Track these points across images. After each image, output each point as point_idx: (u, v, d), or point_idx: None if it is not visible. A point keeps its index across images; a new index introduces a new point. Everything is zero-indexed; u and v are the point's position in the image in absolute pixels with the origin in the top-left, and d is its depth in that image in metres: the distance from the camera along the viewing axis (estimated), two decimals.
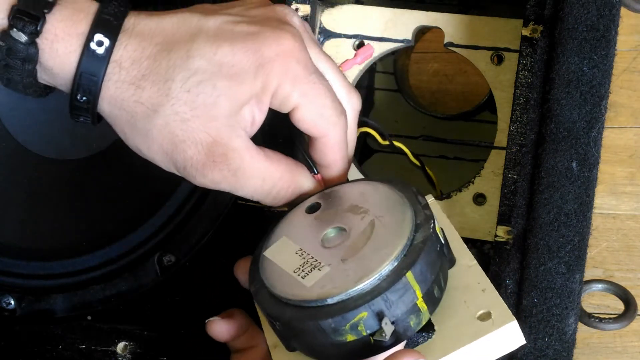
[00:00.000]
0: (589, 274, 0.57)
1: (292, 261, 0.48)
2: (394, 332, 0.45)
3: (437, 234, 0.47)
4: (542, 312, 0.55)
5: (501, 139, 0.62)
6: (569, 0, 0.55)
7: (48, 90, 0.51)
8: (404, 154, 0.63)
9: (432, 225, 0.47)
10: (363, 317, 0.44)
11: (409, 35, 0.65)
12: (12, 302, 0.66)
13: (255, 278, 0.49)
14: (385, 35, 0.64)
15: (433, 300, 0.47)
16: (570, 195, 0.55)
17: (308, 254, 0.48)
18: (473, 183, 0.63)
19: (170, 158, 0.49)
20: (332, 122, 0.51)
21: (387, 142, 0.62)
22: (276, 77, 0.48)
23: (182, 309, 0.67)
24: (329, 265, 0.46)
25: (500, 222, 0.59)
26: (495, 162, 0.62)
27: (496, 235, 0.58)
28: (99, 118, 0.50)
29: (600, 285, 0.60)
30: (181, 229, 0.65)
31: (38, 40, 0.47)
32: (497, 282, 0.57)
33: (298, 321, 0.45)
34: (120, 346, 0.65)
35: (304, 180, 0.52)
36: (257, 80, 0.48)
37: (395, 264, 0.45)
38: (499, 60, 0.63)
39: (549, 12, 0.57)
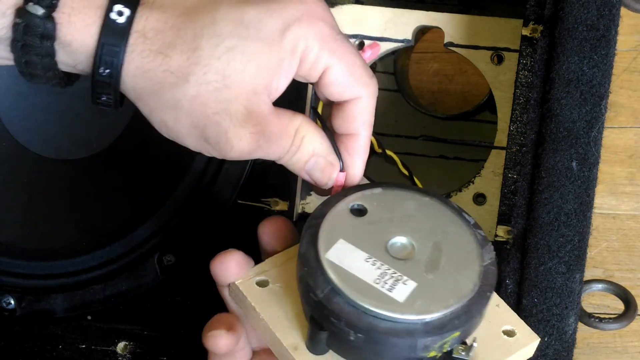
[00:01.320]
0: (589, 274, 0.57)
1: (367, 270, 0.46)
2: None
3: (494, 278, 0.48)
4: (542, 312, 0.55)
5: (501, 138, 0.62)
6: (569, 0, 0.55)
7: (67, 79, 0.49)
8: (403, 153, 0.63)
9: (492, 247, 0.48)
10: (455, 336, 0.44)
11: (409, 35, 0.65)
12: (12, 302, 0.66)
13: (320, 281, 0.46)
14: (385, 35, 0.64)
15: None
16: (570, 195, 0.55)
17: (382, 264, 0.46)
18: (473, 183, 0.63)
19: (202, 132, 0.47)
20: (365, 82, 0.49)
21: (380, 151, 0.63)
22: (304, 37, 0.46)
23: (182, 309, 0.67)
24: (413, 280, 0.45)
25: (500, 222, 0.59)
26: (495, 162, 0.62)
27: (496, 235, 0.58)
28: (121, 100, 0.48)
29: (600, 285, 0.60)
30: (181, 229, 0.65)
31: (55, 15, 0.45)
32: (497, 282, 0.57)
33: (394, 336, 0.44)
34: (120, 346, 0.65)
35: (319, 135, 0.50)
36: (285, 41, 0.46)
37: (479, 285, 0.46)
38: (499, 60, 0.63)
39: (549, 12, 0.57)
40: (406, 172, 0.63)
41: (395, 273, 0.46)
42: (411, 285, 0.45)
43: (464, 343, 0.45)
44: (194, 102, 0.46)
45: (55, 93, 0.67)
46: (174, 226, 0.65)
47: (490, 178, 0.62)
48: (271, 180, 0.64)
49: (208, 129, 0.46)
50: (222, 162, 0.65)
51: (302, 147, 0.49)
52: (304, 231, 0.48)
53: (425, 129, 0.78)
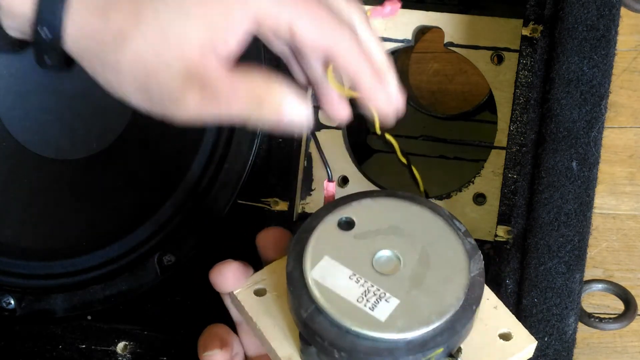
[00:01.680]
0: (589, 274, 0.57)
1: (350, 287, 0.46)
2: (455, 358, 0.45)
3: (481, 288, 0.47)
4: (542, 312, 0.55)
5: (501, 139, 0.62)
6: (569, 0, 0.55)
7: (20, 44, 0.48)
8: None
9: (481, 256, 0.47)
10: (438, 353, 0.44)
11: (409, 35, 0.65)
12: (12, 302, 0.66)
13: (304, 301, 0.46)
14: (385, 35, 0.64)
15: None
16: (570, 195, 0.55)
17: (366, 281, 0.46)
18: (473, 183, 0.63)
19: (145, 91, 0.46)
20: (334, 30, 0.47)
21: (380, 133, 0.61)
22: (257, 1, 0.45)
23: (182, 309, 0.67)
24: (395, 297, 0.45)
25: (500, 222, 0.59)
26: (495, 162, 0.62)
27: (496, 235, 0.58)
28: (68, 62, 0.47)
29: (600, 285, 0.60)
30: (181, 229, 0.65)
31: None
32: (497, 282, 0.57)
33: (376, 356, 0.44)
34: (120, 346, 0.65)
35: (287, 93, 0.47)
36: (233, 8, 0.45)
37: (464, 298, 0.45)
38: (499, 60, 0.63)
39: (549, 12, 0.57)
40: (404, 161, 0.62)
41: (378, 290, 0.45)
42: (394, 302, 0.45)
43: (451, 355, 0.45)
44: (136, 64, 0.45)
45: (56, 93, 0.67)
46: (174, 226, 0.65)
47: (490, 178, 0.62)
48: (271, 180, 0.64)
49: (152, 91, 0.45)
50: (222, 162, 0.65)
51: (266, 102, 0.47)
52: (291, 247, 0.48)
53: (425, 129, 0.78)
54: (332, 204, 0.50)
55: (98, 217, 0.67)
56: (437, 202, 0.63)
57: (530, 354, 0.47)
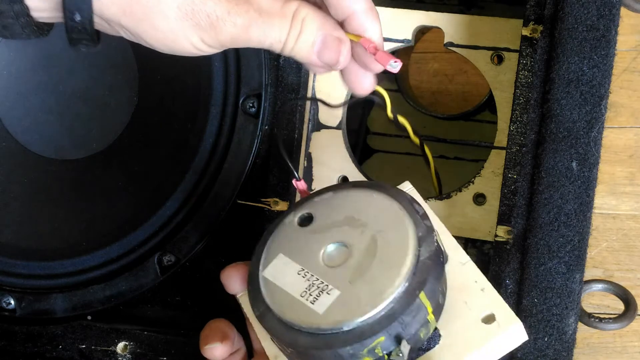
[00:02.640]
0: (589, 274, 0.57)
1: (296, 283, 0.46)
2: (407, 346, 0.44)
3: (439, 246, 0.47)
4: (542, 312, 0.55)
5: (501, 139, 0.62)
6: (569, 0, 0.55)
7: (45, 27, 0.48)
8: (403, 152, 0.62)
9: (435, 239, 0.46)
10: (381, 341, 0.44)
11: (409, 35, 0.65)
12: (12, 302, 0.66)
13: (257, 300, 0.47)
14: (385, 35, 0.64)
15: (439, 309, 0.47)
16: (570, 195, 0.55)
17: (312, 275, 0.46)
18: (473, 183, 0.63)
19: (192, 19, 0.46)
20: None
21: (392, 116, 0.61)
22: None
23: (182, 309, 0.67)
24: (337, 289, 0.45)
25: (500, 222, 0.59)
26: (495, 162, 0.62)
27: (496, 235, 0.58)
28: (98, 36, 0.47)
29: (600, 285, 0.60)
30: (181, 229, 0.65)
31: None
32: (497, 282, 0.57)
33: (314, 349, 0.44)
34: (120, 346, 0.65)
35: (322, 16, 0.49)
36: None
37: (407, 284, 0.44)
38: (499, 60, 0.63)
39: (549, 12, 0.57)
40: (417, 141, 0.62)
41: (322, 283, 0.46)
42: (334, 294, 0.45)
43: (400, 342, 0.44)
44: None
45: (55, 93, 0.67)
46: (174, 226, 0.65)
47: (490, 178, 0.62)
48: (271, 180, 0.64)
49: (197, 14, 0.46)
50: (222, 162, 0.65)
51: (304, 29, 0.48)
52: (256, 248, 0.49)
53: (425, 129, 0.78)
54: (297, 202, 0.50)
55: (98, 217, 0.67)
56: (437, 202, 0.63)
57: (518, 337, 0.46)
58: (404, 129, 0.61)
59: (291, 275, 0.47)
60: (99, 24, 0.47)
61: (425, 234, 0.46)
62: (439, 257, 0.46)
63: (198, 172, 0.65)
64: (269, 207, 0.64)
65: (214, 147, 0.65)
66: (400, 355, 0.44)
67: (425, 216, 0.48)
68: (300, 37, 0.48)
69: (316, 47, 0.48)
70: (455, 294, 0.47)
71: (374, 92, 0.58)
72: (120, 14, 0.46)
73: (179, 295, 0.67)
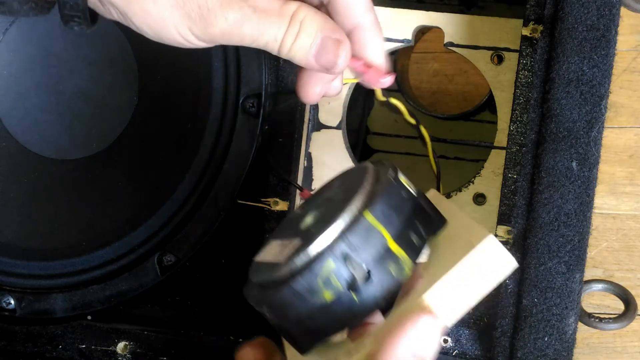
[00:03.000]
0: (589, 274, 0.57)
1: (274, 252, 0.47)
2: (372, 280, 0.43)
3: (402, 183, 0.46)
4: (542, 312, 0.55)
5: (501, 139, 0.62)
6: (569, 0, 0.55)
7: (44, 5, 0.46)
8: (403, 152, 0.62)
9: (392, 173, 0.46)
10: (331, 267, 0.43)
11: (409, 35, 0.65)
12: (12, 302, 0.66)
13: (246, 286, 0.48)
14: (385, 35, 0.64)
15: (412, 247, 0.45)
16: (570, 195, 0.55)
17: (287, 240, 0.47)
18: (473, 183, 0.63)
19: (183, 9, 0.45)
20: None
21: (384, 99, 0.60)
22: None
23: (182, 309, 0.67)
24: (299, 238, 0.45)
25: (500, 222, 0.59)
26: (495, 162, 0.62)
27: (496, 235, 0.58)
28: (93, 18, 0.46)
29: (600, 285, 0.60)
30: (181, 229, 0.65)
31: None
32: None
33: (276, 295, 0.44)
34: (120, 346, 0.65)
35: (322, 16, 0.47)
36: None
37: (351, 206, 0.44)
38: (499, 60, 0.63)
39: (549, 12, 0.57)
40: (413, 121, 0.61)
41: (290, 242, 0.46)
42: (296, 243, 0.45)
43: (365, 269, 0.43)
44: None
45: (55, 93, 0.67)
46: (174, 226, 0.65)
47: (490, 178, 0.62)
48: (271, 180, 0.64)
49: (188, 2, 0.44)
50: (222, 162, 0.65)
51: (303, 29, 0.46)
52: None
53: (426, 129, 0.78)
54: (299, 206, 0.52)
55: (98, 217, 0.67)
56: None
57: (496, 253, 0.43)
58: (398, 111, 0.60)
59: (272, 249, 0.48)
60: (92, 2, 0.46)
61: (384, 173, 0.46)
62: (399, 191, 0.45)
63: (198, 172, 0.65)
64: (269, 207, 0.64)
65: (214, 147, 0.64)
66: (356, 282, 0.43)
67: (395, 170, 0.47)
68: (298, 37, 0.47)
69: (314, 50, 0.47)
70: (448, 243, 0.46)
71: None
72: None
73: (179, 295, 0.67)
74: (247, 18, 0.45)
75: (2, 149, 0.67)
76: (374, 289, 0.44)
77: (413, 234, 0.45)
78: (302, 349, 0.46)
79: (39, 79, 0.67)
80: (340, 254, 0.43)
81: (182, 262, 0.65)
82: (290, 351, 0.49)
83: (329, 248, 0.43)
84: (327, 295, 0.43)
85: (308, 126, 0.65)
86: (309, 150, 0.66)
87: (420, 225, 0.46)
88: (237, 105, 0.64)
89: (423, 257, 0.46)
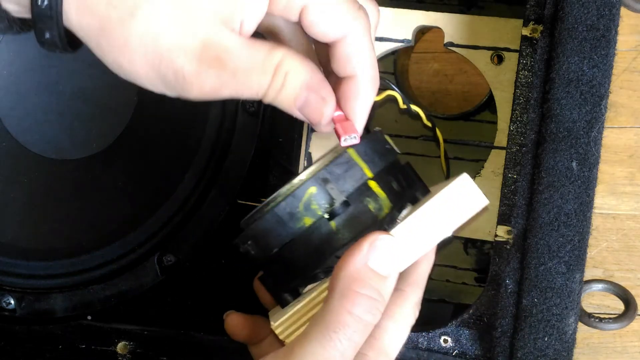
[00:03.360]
0: (589, 274, 0.57)
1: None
2: (349, 210, 0.46)
3: (387, 140, 0.49)
4: (542, 312, 0.55)
5: (501, 139, 0.62)
6: (569, 0, 0.55)
7: (22, 24, 0.44)
8: (403, 152, 0.62)
9: (379, 130, 0.48)
10: (312, 192, 0.46)
11: (409, 35, 0.65)
12: (12, 302, 0.66)
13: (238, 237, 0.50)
14: (385, 35, 0.64)
15: (393, 192, 0.47)
16: (570, 195, 0.55)
17: None
18: None
19: (158, 72, 0.42)
20: (350, 18, 0.44)
21: (405, 107, 0.62)
22: None
23: (182, 309, 0.67)
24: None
25: (500, 222, 0.59)
26: (495, 162, 0.62)
27: (496, 235, 0.58)
28: (71, 43, 0.44)
29: (600, 285, 0.60)
30: (181, 229, 0.65)
31: None
32: (497, 282, 0.58)
33: (260, 223, 0.46)
34: (120, 346, 0.65)
35: (306, 62, 0.45)
36: None
37: (340, 149, 0.47)
38: (499, 60, 0.63)
39: (549, 12, 0.57)
40: (429, 124, 0.63)
41: None
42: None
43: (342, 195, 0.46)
44: (145, 38, 0.41)
45: (55, 93, 0.67)
46: (174, 226, 0.65)
47: (490, 178, 0.62)
48: (271, 180, 0.64)
49: (163, 67, 0.42)
50: (222, 162, 0.65)
51: (286, 84, 0.44)
52: None
53: (426, 129, 0.78)
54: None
55: (98, 217, 0.67)
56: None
57: (468, 189, 0.46)
58: (418, 116, 0.63)
59: None
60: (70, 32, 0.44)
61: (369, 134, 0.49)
62: (383, 143, 0.48)
63: (198, 172, 0.65)
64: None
65: (214, 147, 0.65)
66: (334, 202, 0.45)
67: (382, 131, 0.50)
68: (282, 90, 0.45)
69: (298, 103, 0.46)
70: None
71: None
72: (86, 40, 0.43)
73: (179, 295, 0.67)
74: (225, 85, 0.43)
75: (2, 149, 0.67)
76: (351, 220, 0.46)
77: (394, 181, 0.48)
78: (282, 288, 0.48)
79: (39, 79, 0.67)
80: (322, 181, 0.46)
81: (182, 262, 0.66)
82: (274, 315, 0.50)
83: (312, 174, 0.46)
84: (307, 221, 0.46)
85: (308, 126, 0.65)
86: (309, 150, 0.66)
87: (401, 177, 0.49)
88: (237, 104, 0.64)
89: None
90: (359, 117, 0.48)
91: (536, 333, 0.55)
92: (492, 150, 0.62)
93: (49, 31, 0.42)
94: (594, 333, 0.91)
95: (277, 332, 0.47)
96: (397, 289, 0.49)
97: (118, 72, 0.44)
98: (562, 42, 0.55)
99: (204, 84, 0.43)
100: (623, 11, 0.56)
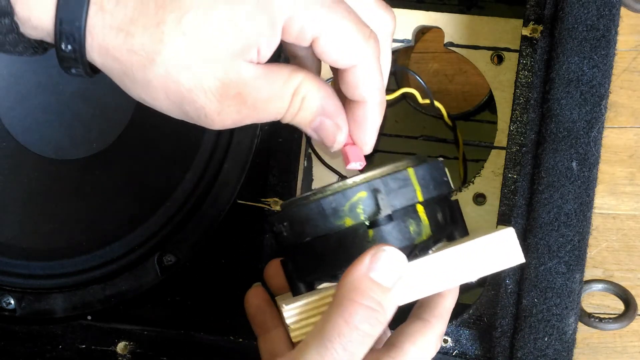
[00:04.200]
0: (589, 274, 0.57)
1: None
2: (391, 225, 0.46)
3: (446, 172, 0.50)
4: (542, 312, 0.55)
5: (501, 139, 0.62)
6: (569, 0, 0.55)
7: (44, 46, 0.46)
8: (403, 152, 0.62)
9: (441, 161, 0.50)
10: (362, 196, 0.46)
11: (409, 35, 0.65)
12: (12, 302, 0.66)
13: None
14: None
15: (436, 222, 0.48)
16: (570, 195, 0.55)
17: None
18: (473, 183, 0.63)
19: (180, 109, 0.44)
20: (359, 48, 0.45)
21: (427, 101, 0.64)
22: (284, 7, 0.43)
23: (182, 309, 0.67)
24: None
25: (500, 222, 0.59)
26: (495, 162, 0.62)
27: None
28: (94, 69, 0.45)
29: (600, 285, 0.60)
30: (181, 229, 0.65)
31: None
32: (497, 282, 0.58)
33: (302, 208, 0.47)
34: (120, 346, 0.65)
35: (319, 83, 0.47)
36: (260, 14, 0.42)
37: (400, 165, 0.48)
38: (499, 60, 0.63)
39: (549, 12, 0.57)
40: (450, 123, 0.65)
41: None
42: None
43: (390, 209, 0.46)
44: (166, 81, 0.43)
45: (55, 93, 0.67)
46: (174, 226, 0.65)
47: (490, 178, 0.62)
48: (271, 180, 0.64)
49: (186, 106, 0.44)
50: (222, 162, 0.65)
51: (303, 108, 0.46)
52: None
53: (425, 129, 0.78)
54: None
55: (98, 217, 0.67)
56: None
57: (510, 243, 0.47)
58: (439, 114, 0.66)
59: None
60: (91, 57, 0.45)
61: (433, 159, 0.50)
62: (441, 172, 0.49)
63: (198, 172, 0.65)
64: (269, 207, 0.64)
65: (214, 147, 0.64)
66: (380, 212, 0.46)
67: (442, 162, 0.51)
68: (299, 113, 0.46)
69: (313, 126, 0.47)
70: None
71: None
72: (110, 76, 0.45)
73: (179, 295, 0.67)
74: (246, 117, 0.45)
75: (2, 149, 0.67)
76: (388, 235, 0.46)
77: (440, 212, 0.48)
78: (300, 276, 0.49)
79: (39, 79, 0.67)
80: (374, 189, 0.46)
81: (182, 262, 0.65)
82: (284, 300, 0.50)
83: (367, 179, 0.47)
84: (347, 221, 0.46)
85: None
86: (309, 151, 0.66)
87: (447, 211, 0.49)
88: None
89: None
90: (367, 143, 0.49)
91: (536, 333, 0.55)
92: (492, 150, 0.62)
93: (75, 68, 0.44)
94: (594, 333, 0.91)
95: (285, 316, 0.48)
96: (423, 319, 0.50)
97: (143, 103, 0.46)
98: (562, 42, 0.55)
99: (225, 120, 0.45)
100: (623, 11, 0.56)
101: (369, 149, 0.50)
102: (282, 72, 0.45)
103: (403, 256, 0.45)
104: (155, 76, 0.43)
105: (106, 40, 0.43)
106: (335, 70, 0.48)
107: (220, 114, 0.44)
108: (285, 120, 0.47)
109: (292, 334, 0.47)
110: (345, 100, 0.48)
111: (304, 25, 0.44)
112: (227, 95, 0.44)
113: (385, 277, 0.44)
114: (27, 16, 0.43)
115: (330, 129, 0.47)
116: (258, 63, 0.44)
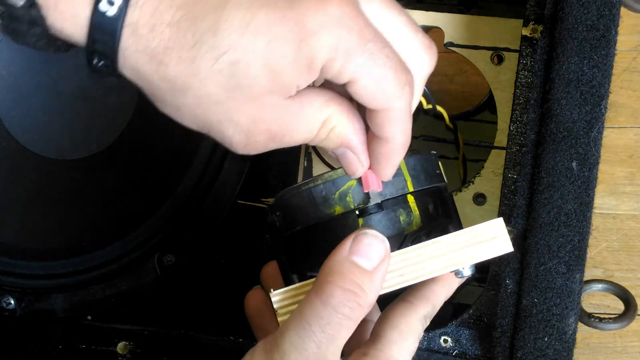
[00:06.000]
0: (589, 274, 0.57)
1: None
2: (380, 214, 0.47)
3: (439, 165, 0.50)
4: (542, 312, 0.55)
5: (501, 139, 0.62)
6: (569, 0, 0.55)
7: (64, 44, 0.45)
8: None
9: (435, 154, 0.50)
10: (352, 185, 0.47)
11: None
12: (12, 302, 0.66)
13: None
14: None
15: (427, 213, 0.48)
16: (570, 195, 0.55)
17: None
18: (473, 183, 0.63)
19: (207, 132, 0.45)
20: (394, 96, 0.44)
21: (430, 106, 0.64)
22: (323, 51, 0.41)
23: (182, 309, 0.67)
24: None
25: None
26: (495, 162, 0.62)
27: None
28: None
29: (600, 285, 0.60)
30: (181, 229, 0.65)
31: (39, 1, 0.41)
32: (497, 282, 0.57)
33: (294, 198, 0.47)
34: (120, 346, 0.65)
35: (349, 109, 0.46)
36: (299, 57, 0.41)
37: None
38: (499, 60, 0.63)
39: (549, 12, 0.57)
40: (451, 126, 0.66)
41: None
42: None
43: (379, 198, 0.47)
44: (196, 109, 0.43)
45: (55, 93, 0.67)
46: (174, 226, 0.65)
47: (490, 178, 0.62)
48: (271, 180, 0.64)
49: (213, 133, 0.44)
50: (222, 162, 0.65)
51: (329, 138, 0.46)
52: None
53: (425, 129, 0.78)
54: None
55: (98, 217, 0.67)
56: None
57: (498, 232, 0.47)
58: (441, 117, 0.67)
59: None
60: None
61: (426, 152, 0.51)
62: (434, 164, 0.50)
63: (198, 172, 0.65)
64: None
65: (214, 147, 0.65)
66: (369, 200, 0.46)
67: (437, 156, 0.52)
68: (323, 142, 0.46)
69: (337, 152, 0.47)
70: None
71: None
72: (138, 85, 0.44)
73: (179, 295, 0.67)
74: (273, 145, 0.45)
75: (2, 149, 0.67)
76: (378, 223, 0.47)
77: (431, 204, 0.49)
78: (293, 268, 0.50)
79: (39, 79, 0.67)
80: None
81: (182, 262, 0.65)
82: (274, 295, 0.50)
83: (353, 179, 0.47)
84: (337, 209, 0.47)
85: None
86: (309, 150, 0.66)
87: (439, 204, 0.50)
88: None
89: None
90: (386, 175, 0.49)
91: (536, 333, 0.55)
92: (492, 150, 0.62)
93: (107, 77, 0.44)
94: (594, 333, 0.91)
95: (273, 300, 0.48)
96: (405, 300, 0.49)
97: (166, 114, 0.45)
98: (562, 42, 0.55)
99: (251, 150, 0.45)
100: (623, 11, 0.56)
101: (387, 179, 0.49)
102: (315, 102, 0.45)
103: (385, 239, 0.44)
104: (185, 104, 0.43)
105: (138, 64, 0.42)
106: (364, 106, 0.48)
107: (247, 146, 0.44)
108: (310, 144, 0.49)
109: (279, 319, 0.47)
110: (370, 131, 0.48)
111: (342, 70, 0.43)
112: (256, 131, 0.44)
113: (366, 260, 0.44)
114: (60, 28, 0.42)
115: (353, 161, 0.47)
116: (290, 96, 0.44)
